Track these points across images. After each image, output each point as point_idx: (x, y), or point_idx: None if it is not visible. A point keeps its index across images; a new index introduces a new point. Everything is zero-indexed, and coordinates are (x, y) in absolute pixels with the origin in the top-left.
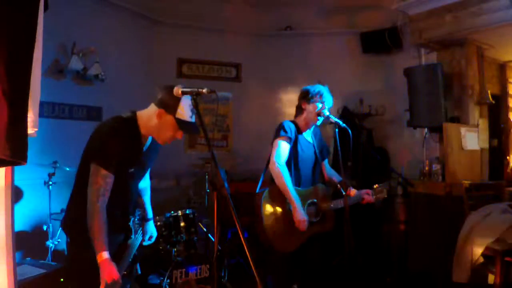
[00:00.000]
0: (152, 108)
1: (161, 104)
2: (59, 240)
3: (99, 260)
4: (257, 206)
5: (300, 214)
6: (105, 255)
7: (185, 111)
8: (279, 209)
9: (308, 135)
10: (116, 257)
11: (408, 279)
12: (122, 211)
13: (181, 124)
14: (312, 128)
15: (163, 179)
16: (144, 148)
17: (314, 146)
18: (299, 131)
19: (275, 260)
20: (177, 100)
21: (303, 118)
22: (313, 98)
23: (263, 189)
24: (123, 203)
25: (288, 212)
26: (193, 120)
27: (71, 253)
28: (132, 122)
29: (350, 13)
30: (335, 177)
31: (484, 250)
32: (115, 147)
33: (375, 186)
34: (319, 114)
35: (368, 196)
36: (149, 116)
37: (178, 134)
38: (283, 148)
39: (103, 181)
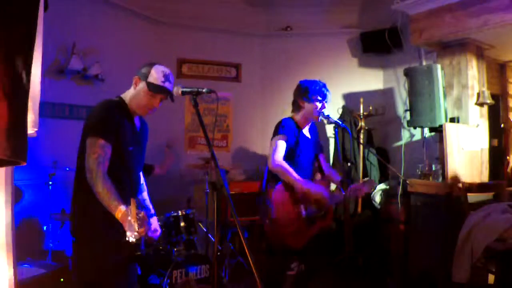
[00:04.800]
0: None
1: (136, 74)
2: (59, 240)
3: (118, 216)
4: (267, 205)
5: (317, 189)
6: (123, 208)
7: (157, 76)
8: (289, 206)
9: (306, 131)
10: (124, 245)
11: (408, 279)
12: (130, 196)
13: (152, 87)
14: (310, 124)
15: (163, 178)
16: (138, 128)
17: (312, 142)
18: (298, 127)
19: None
20: (150, 67)
21: (302, 115)
22: (312, 98)
23: (271, 187)
24: (131, 187)
25: (297, 209)
26: (166, 85)
27: (77, 253)
28: (120, 101)
29: (350, 13)
30: (333, 174)
31: (484, 250)
32: (108, 119)
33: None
34: (319, 114)
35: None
36: (129, 90)
37: (153, 101)
38: (280, 146)
39: (101, 150)
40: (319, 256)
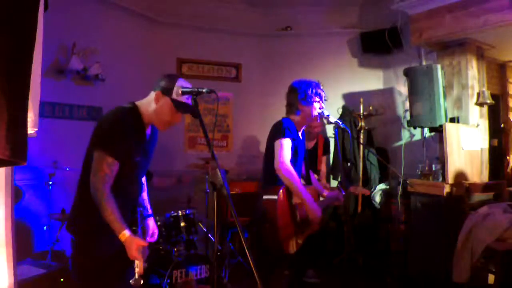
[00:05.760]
0: (151, 95)
1: (158, 88)
2: (59, 240)
3: (122, 239)
4: (271, 209)
5: (316, 211)
6: (127, 233)
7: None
8: (289, 211)
9: (300, 133)
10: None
11: (408, 279)
12: (131, 204)
13: (177, 104)
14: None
15: (163, 179)
16: (148, 137)
17: (304, 144)
18: (296, 129)
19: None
20: (173, 82)
21: (300, 118)
22: (311, 99)
23: (272, 189)
24: (132, 195)
25: (294, 213)
26: (189, 102)
27: (76, 253)
28: (134, 111)
29: (350, 13)
30: (314, 180)
31: (484, 250)
32: (121, 134)
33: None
34: (318, 114)
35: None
36: (148, 102)
37: (176, 117)
38: (287, 147)
39: (108, 169)
40: (305, 255)
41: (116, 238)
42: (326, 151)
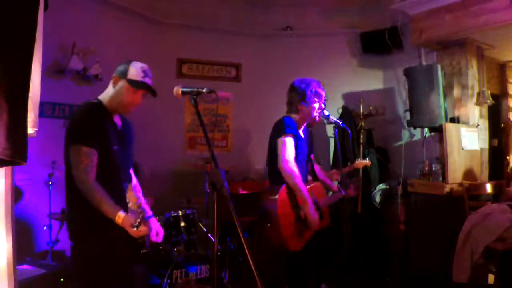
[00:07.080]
0: (110, 82)
1: (115, 73)
2: (59, 240)
3: (119, 221)
4: (272, 208)
5: (314, 215)
6: (122, 214)
7: (136, 72)
8: (292, 209)
9: (301, 131)
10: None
11: (408, 279)
12: (121, 195)
13: (133, 83)
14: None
15: (163, 179)
16: (119, 127)
17: (306, 141)
18: (297, 127)
19: (279, 260)
20: (128, 64)
21: (300, 117)
22: (310, 100)
23: (275, 189)
24: (120, 187)
25: (296, 212)
26: (146, 81)
27: (72, 255)
28: (98, 103)
29: (350, 13)
30: (322, 176)
31: (484, 250)
32: (89, 124)
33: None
34: (318, 114)
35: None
36: (107, 90)
37: (136, 97)
38: (290, 145)
39: (87, 159)
40: (316, 255)
41: (109, 233)
42: None
